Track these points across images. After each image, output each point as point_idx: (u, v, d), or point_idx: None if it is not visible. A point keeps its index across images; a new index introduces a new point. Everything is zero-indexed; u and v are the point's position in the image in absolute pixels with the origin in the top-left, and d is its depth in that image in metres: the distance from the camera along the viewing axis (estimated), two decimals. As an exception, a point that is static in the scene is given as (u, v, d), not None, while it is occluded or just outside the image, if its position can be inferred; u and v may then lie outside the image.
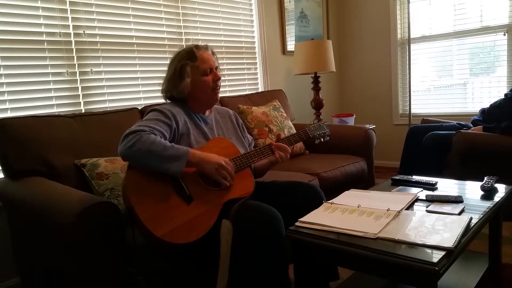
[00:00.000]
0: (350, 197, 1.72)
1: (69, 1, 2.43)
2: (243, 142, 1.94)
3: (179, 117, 1.70)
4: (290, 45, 4.01)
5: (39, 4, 2.31)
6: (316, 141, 1.98)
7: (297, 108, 3.96)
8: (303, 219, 1.49)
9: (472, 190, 1.83)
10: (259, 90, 3.75)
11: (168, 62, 1.82)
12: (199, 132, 1.76)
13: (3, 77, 2.19)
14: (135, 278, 1.55)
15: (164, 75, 1.82)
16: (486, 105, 3.08)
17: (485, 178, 1.84)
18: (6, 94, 2.20)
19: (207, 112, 1.87)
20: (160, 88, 1.84)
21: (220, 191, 1.60)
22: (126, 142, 1.49)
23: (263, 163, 1.84)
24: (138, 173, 1.50)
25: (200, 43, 1.82)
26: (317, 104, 3.80)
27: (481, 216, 1.47)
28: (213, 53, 1.82)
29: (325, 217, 1.50)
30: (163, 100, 1.86)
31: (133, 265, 1.57)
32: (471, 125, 2.97)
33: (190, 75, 1.74)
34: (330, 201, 1.66)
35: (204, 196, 1.56)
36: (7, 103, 2.21)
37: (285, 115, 3.15)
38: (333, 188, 2.50)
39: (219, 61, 1.87)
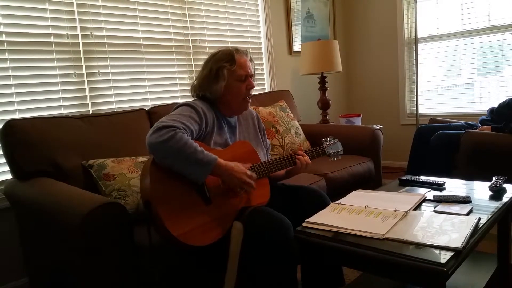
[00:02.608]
0: (357, 198, 1.72)
1: (77, 3, 2.45)
2: (262, 147, 1.93)
3: (209, 117, 1.68)
4: (297, 46, 4.01)
5: (46, 6, 2.33)
6: (331, 158, 1.95)
7: (304, 109, 3.96)
8: (310, 219, 1.48)
9: (480, 190, 1.82)
10: (266, 91, 3.75)
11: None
12: (220, 135, 1.74)
13: (11, 78, 2.21)
14: (148, 271, 1.55)
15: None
16: (494, 104, 3.05)
17: (494, 178, 1.82)
18: (14, 96, 2.22)
19: None
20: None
21: (238, 197, 1.61)
22: (159, 135, 1.45)
23: (280, 173, 1.85)
24: (162, 167, 1.49)
25: (240, 47, 1.79)
26: (324, 105, 3.79)
27: (490, 216, 1.46)
28: (251, 60, 1.79)
29: (332, 217, 1.49)
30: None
31: (147, 258, 1.57)
32: (479, 125, 2.95)
33: (226, 78, 1.71)
34: (337, 202, 1.66)
35: (222, 200, 1.57)
36: (16, 104, 2.23)
37: (291, 115, 3.14)
38: (340, 188, 2.49)
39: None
